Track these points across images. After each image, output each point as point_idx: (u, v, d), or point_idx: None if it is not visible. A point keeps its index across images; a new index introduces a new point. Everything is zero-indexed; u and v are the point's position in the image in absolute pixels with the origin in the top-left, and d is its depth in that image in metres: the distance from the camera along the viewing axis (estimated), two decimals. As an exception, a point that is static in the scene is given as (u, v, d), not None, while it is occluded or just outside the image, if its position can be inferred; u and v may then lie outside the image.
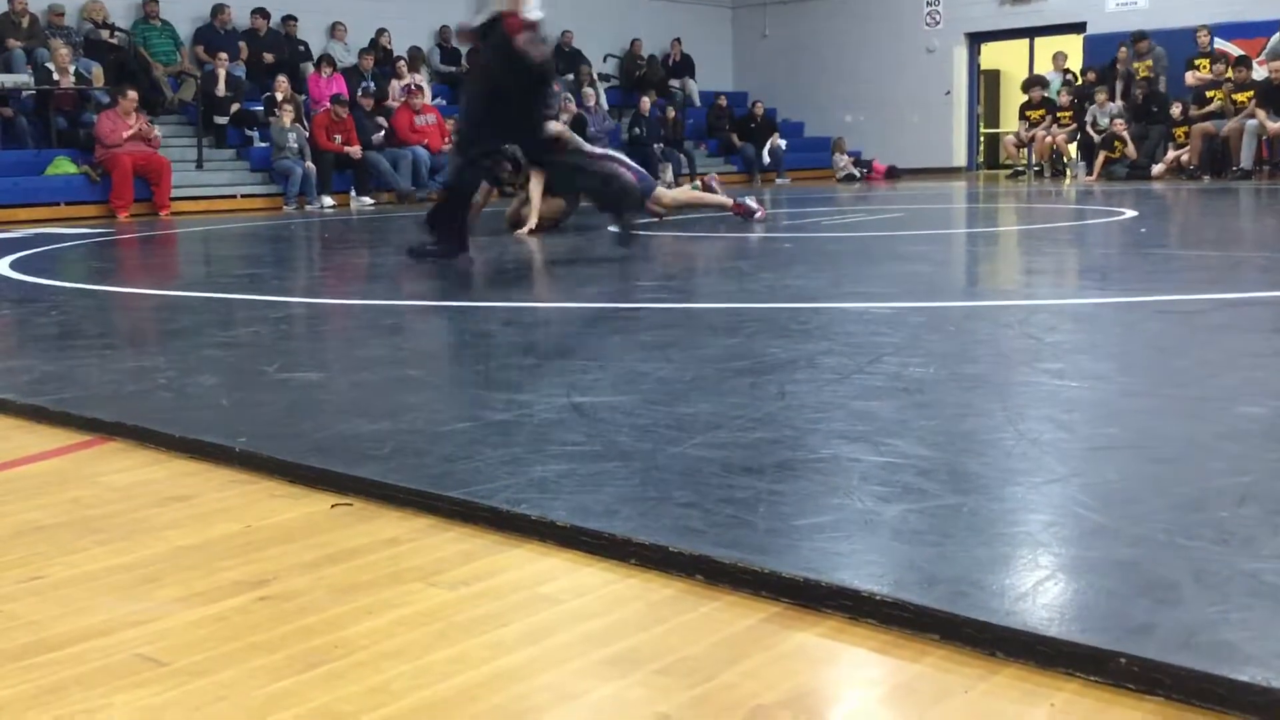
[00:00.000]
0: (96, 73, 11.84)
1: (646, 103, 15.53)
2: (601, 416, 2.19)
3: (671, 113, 15.83)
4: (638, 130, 15.38)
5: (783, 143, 16.72)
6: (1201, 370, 2.55)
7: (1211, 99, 13.38)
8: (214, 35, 13.28)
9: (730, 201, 7.52)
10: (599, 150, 7.71)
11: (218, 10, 13.42)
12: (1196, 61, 13.94)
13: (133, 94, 11.12)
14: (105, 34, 12.46)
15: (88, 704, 1.18)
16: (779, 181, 16.19)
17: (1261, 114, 12.62)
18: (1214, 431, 1.98)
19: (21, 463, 2.17)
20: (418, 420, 2.23)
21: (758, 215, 7.41)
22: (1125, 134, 13.55)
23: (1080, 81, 15.20)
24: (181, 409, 2.48)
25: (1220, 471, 1.73)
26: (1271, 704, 1.06)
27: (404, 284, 5.18)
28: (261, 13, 13.74)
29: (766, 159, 16.45)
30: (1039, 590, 1.31)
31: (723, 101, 17.32)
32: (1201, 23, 14.10)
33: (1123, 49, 14.77)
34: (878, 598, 1.30)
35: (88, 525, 1.78)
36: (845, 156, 16.83)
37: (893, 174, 16.62)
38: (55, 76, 11.40)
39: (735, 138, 16.73)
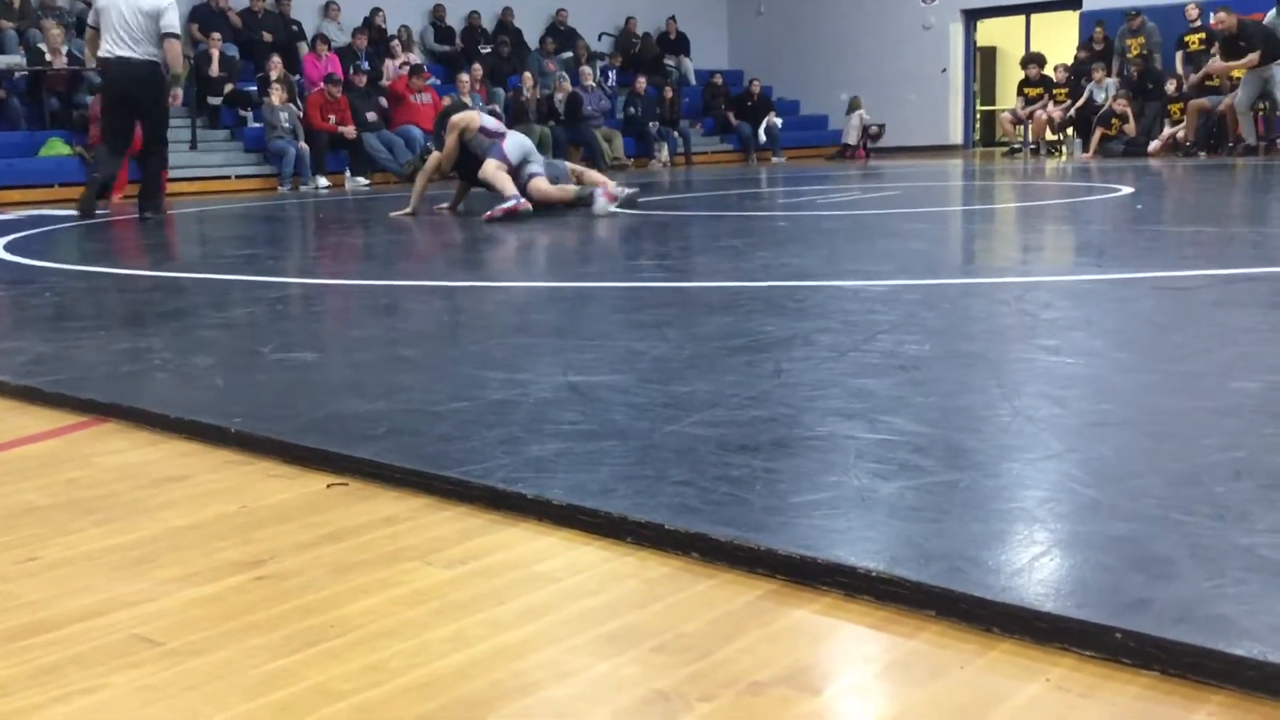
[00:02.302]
0: (89, 53, 11.78)
1: (642, 82, 15.48)
2: (598, 395, 2.19)
3: (669, 92, 15.77)
4: (633, 109, 15.33)
5: (779, 121, 16.65)
6: (1197, 346, 2.55)
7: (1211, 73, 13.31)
8: (210, 14, 13.20)
9: (571, 194, 7.19)
10: (496, 126, 7.47)
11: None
12: (1186, 38, 13.87)
13: None
14: (98, 14, 12.39)
15: (85, 684, 1.18)
16: (775, 160, 16.14)
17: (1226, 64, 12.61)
18: (1209, 407, 1.99)
19: (17, 444, 2.17)
20: (413, 400, 2.23)
21: (608, 194, 7.02)
22: (1128, 110, 13.49)
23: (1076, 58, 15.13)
24: (177, 390, 2.47)
25: (1215, 447, 1.73)
26: (1267, 677, 1.06)
27: (399, 264, 5.17)
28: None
29: (763, 137, 16.38)
30: (1035, 566, 1.31)
31: (718, 80, 17.25)
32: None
33: (1098, 27, 14.72)
34: (874, 574, 1.30)
35: (83, 506, 1.78)
36: (864, 115, 16.33)
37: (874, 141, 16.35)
38: (48, 57, 11.33)
39: (731, 116, 16.66)
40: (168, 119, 8.26)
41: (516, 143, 7.31)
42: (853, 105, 16.50)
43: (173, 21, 7.54)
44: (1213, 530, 1.39)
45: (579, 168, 7.93)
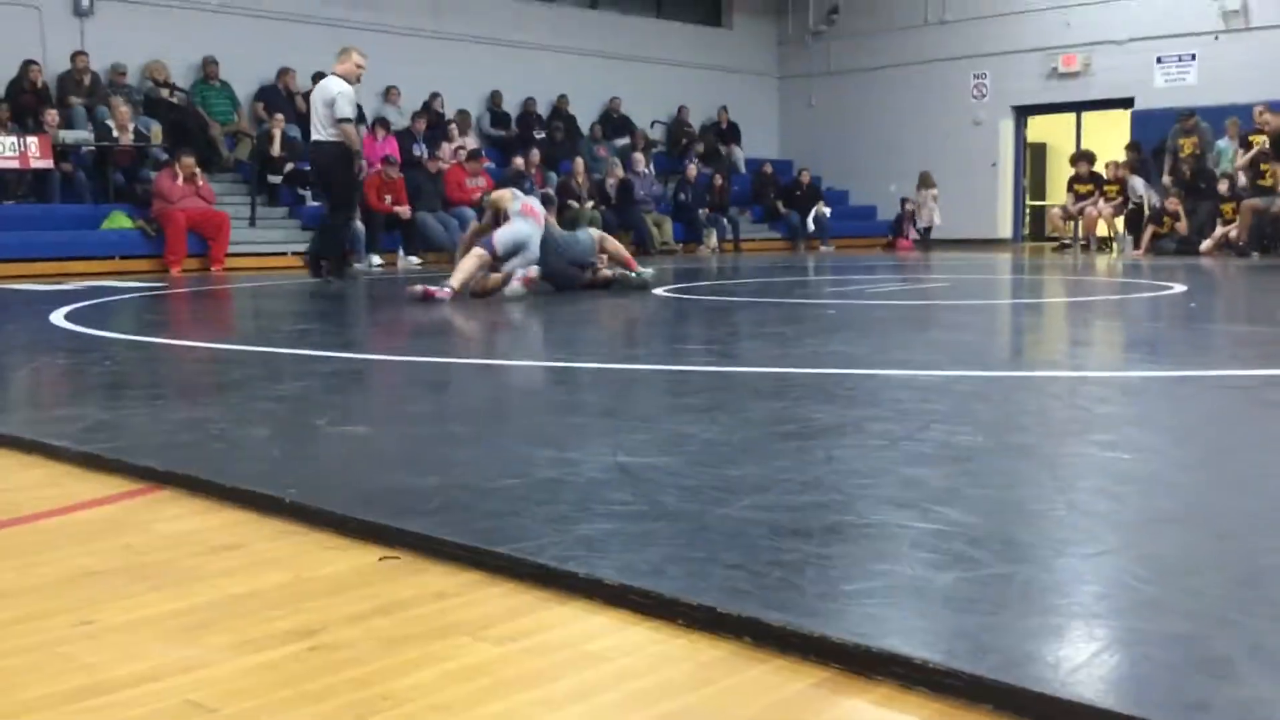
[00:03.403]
0: (155, 130, 12.09)
1: (693, 169, 15.67)
2: (648, 477, 2.20)
3: (719, 179, 15.94)
4: (683, 196, 15.50)
5: (827, 210, 16.76)
6: (1255, 444, 2.52)
7: (1265, 172, 13.26)
8: (276, 95, 13.53)
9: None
10: (517, 211, 7.56)
11: (283, 72, 13.70)
12: (1251, 138, 13.82)
13: (188, 160, 11.33)
14: (165, 93, 12.73)
15: (139, 748, 1.18)
16: (823, 249, 16.21)
17: None
18: (1268, 505, 1.96)
19: (75, 509, 2.20)
20: (465, 476, 2.24)
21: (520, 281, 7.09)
22: (1180, 209, 13.46)
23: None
24: (233, 459, 2.50)
25: (1275, 547, 1.71)
26: (1335, 784, 1.04)
27: (450, 341, 5.22)
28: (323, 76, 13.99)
29: (811, 226, 16.49)
30: (1094, 662, 1.29)
31: (768, 169, 17.43)
32: (1249, 100, 14.04)
33: (1178, 126, 14.72)
34: (930, 665, 1.29)
35: (140, 572, 1.79)
36: (933, 192, 16.53)
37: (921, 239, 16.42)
38: (115, 134, 11.65)
39: (780, 205, 16.81)
40: (350, 193, 9.49)
41: (509, 236, 7.37)
42: (925, 181, 16.51)
43: (342, 108, 8.85)
44: (1274, 631, 1.36)
45: (611, 249, 7.79)
